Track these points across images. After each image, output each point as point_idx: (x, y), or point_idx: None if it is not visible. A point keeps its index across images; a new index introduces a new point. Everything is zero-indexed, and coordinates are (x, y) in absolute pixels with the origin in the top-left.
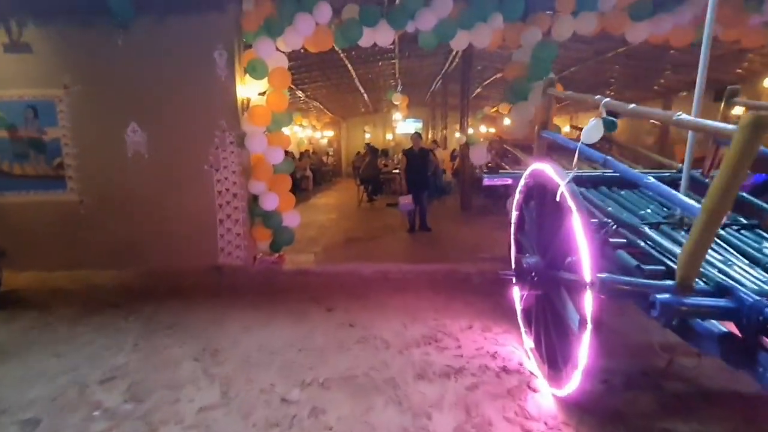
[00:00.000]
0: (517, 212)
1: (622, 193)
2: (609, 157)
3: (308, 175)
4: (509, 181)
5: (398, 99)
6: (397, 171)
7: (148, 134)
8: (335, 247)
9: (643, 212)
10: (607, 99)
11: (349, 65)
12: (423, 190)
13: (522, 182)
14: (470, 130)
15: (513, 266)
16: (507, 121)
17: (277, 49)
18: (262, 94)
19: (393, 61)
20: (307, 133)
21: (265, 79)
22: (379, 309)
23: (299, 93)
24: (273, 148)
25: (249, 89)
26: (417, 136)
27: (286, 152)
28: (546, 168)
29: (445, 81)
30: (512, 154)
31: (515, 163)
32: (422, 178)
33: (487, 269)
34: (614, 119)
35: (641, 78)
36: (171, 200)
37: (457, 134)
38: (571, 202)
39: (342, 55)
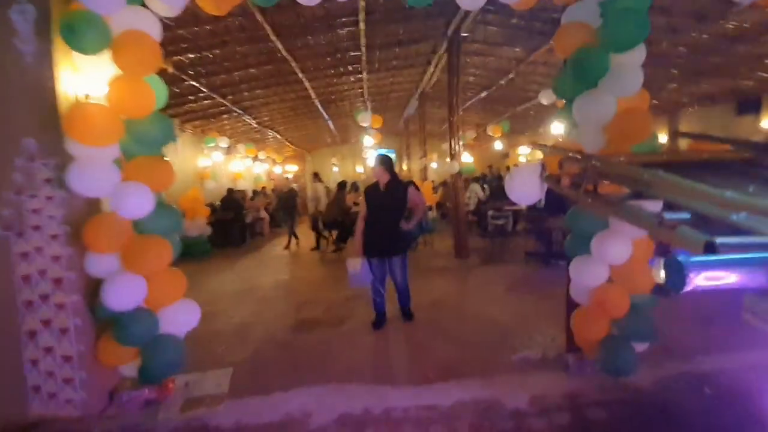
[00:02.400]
0: None
1: None
2: None
3: (263, 217)
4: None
5: (368, 120)
6: None
7: None
8: (276, 346)
9: None
10: None
11: (303, 78)
12: (397, 253)
13: None
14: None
15: None
16: (499, 145)
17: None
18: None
19: (360, 75)
20: (264, 167)
21: (106, 54)
22: None
23: (246, 118)
24: (132, 190)
25: (86, 79)
26: (382, 161)
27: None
28: None
29: (422, 101)
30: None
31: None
32: (394, 236)
33: (552, 391)
34: None
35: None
36: None
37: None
38: None
39: (293, 64)
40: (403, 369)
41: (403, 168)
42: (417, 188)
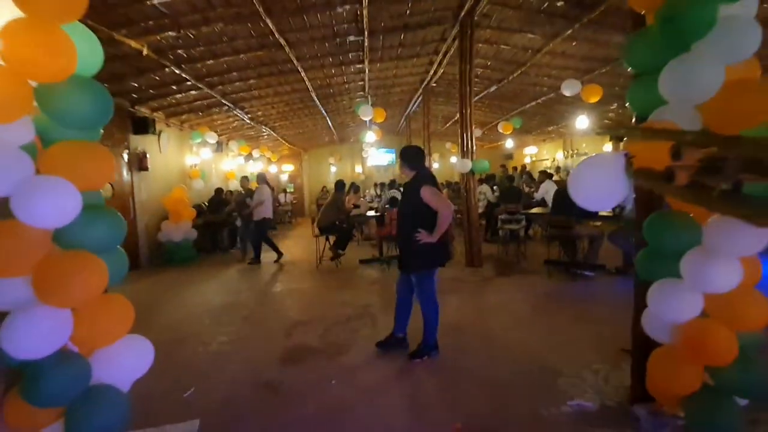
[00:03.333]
0: None
1: None
2: None
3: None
4: None
5: (369, 113)
6: (374, 212)
7: None
8: (257, 387)
9: None
10: None
11: (299, 67)
12: (410, 270)
13: None
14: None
15: None
16: (510, 144)
17: None
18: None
19: (361, 65)
20: (259, 166)
21: None
22: None
23: (238, 113)
24: (49, 187)
25: None
26: (402, 154)
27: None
28: None
29: (426, 96)
30: None
31: None
32: (405, 248)
33: None
34: None
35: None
36: None
37: (454, 159)
38: None
39: (288, 51)
40: (422, 427)
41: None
42: (436, 188)
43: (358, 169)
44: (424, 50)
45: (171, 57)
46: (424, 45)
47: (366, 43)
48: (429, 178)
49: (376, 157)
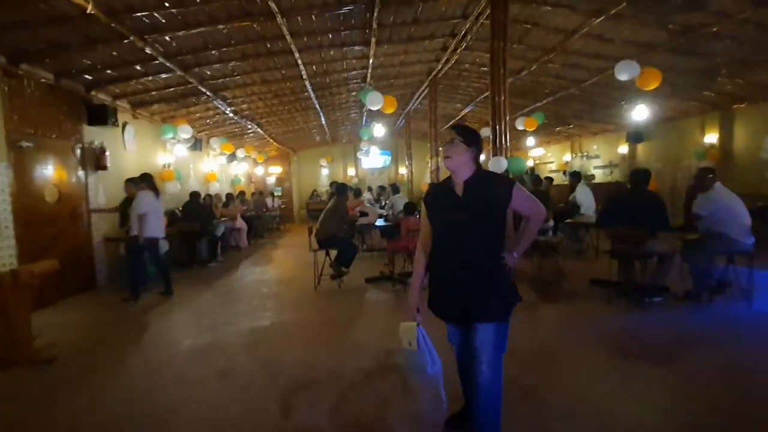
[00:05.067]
0: None
1: None
2: None
3: (240, 226)
4: None
5: (379, 101)
6: (385, 220)
7: None
8: None
9: None
10: None
11: (292, 46)
12: (485, 317)
13: None
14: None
15: None
16: (539, 151)
17: None
18: None
19: (365, 48)
20: (244, 168)
21: None
22: None
23: (219, 104)
24: None
25: None
26: (461, 131)
27: None
28: None
29: (433, 89)
30: None
31: None
32: (481, 281)
33: None
34: None
35: (686, 85)
36: None
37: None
38: None
39: (279, 19)
40: None
41: (401, 172)
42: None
43: (351, 171)
44: (439, 30)
45: (128, 22)
46: (441, 22)
47: (376, 15)
48: (508, 176)
49: (372, 158)
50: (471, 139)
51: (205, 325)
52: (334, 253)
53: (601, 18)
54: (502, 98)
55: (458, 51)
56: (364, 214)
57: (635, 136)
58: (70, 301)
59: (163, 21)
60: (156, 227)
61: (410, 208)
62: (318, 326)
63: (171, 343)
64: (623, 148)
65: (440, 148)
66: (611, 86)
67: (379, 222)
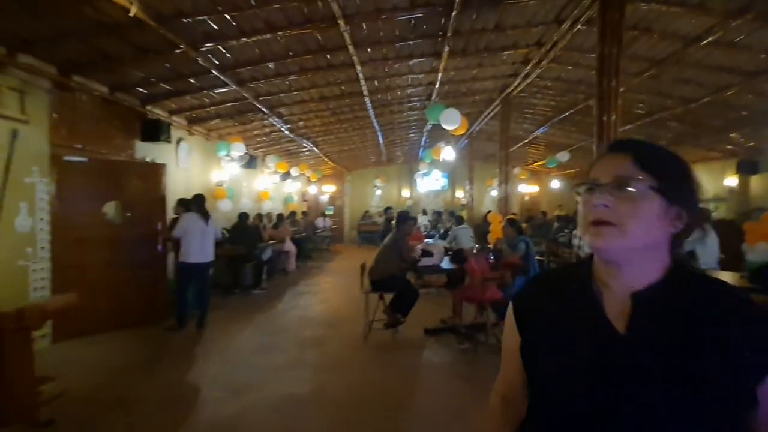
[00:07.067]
0: None
1: None
2: None
3: (289, 249)
4: None
5: (456, 119)
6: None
7: None
8: None
9: None
10: None
11: (353, 56)
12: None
13: None
14: None
15: None
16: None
17: None
18: None
19: (436, 62)
20: (297, 186)
21: None
22: None
23: (275, 121)
24: None
25: None
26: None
27: None
28: None
29: (505, 109)
30: None
31: None
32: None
33: None
34: None
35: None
36: None
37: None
38: None
39: (342, 26)
40: None
41: (457, 195)
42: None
43: (406, 193)
44: (524, 39)
45: (179, 30)
46: (527, 30)
47: (453, 20)
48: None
49: (430, 181)
50: (676, 183)
51: (231, 387)
52: (389, 295)
53: (745, 18)
54: (613, 118)
55: (542, 63)
56: (428, 253)
57: (749, 166)
58: (121, 332)
59: (216, 27)
60: (198, 252)
61: (496, 253)
62: (370, 397)
63: (186, 408)
64: (730, 180)
65: (577, 189)
66: (730, 106)
67: (445, 264)
